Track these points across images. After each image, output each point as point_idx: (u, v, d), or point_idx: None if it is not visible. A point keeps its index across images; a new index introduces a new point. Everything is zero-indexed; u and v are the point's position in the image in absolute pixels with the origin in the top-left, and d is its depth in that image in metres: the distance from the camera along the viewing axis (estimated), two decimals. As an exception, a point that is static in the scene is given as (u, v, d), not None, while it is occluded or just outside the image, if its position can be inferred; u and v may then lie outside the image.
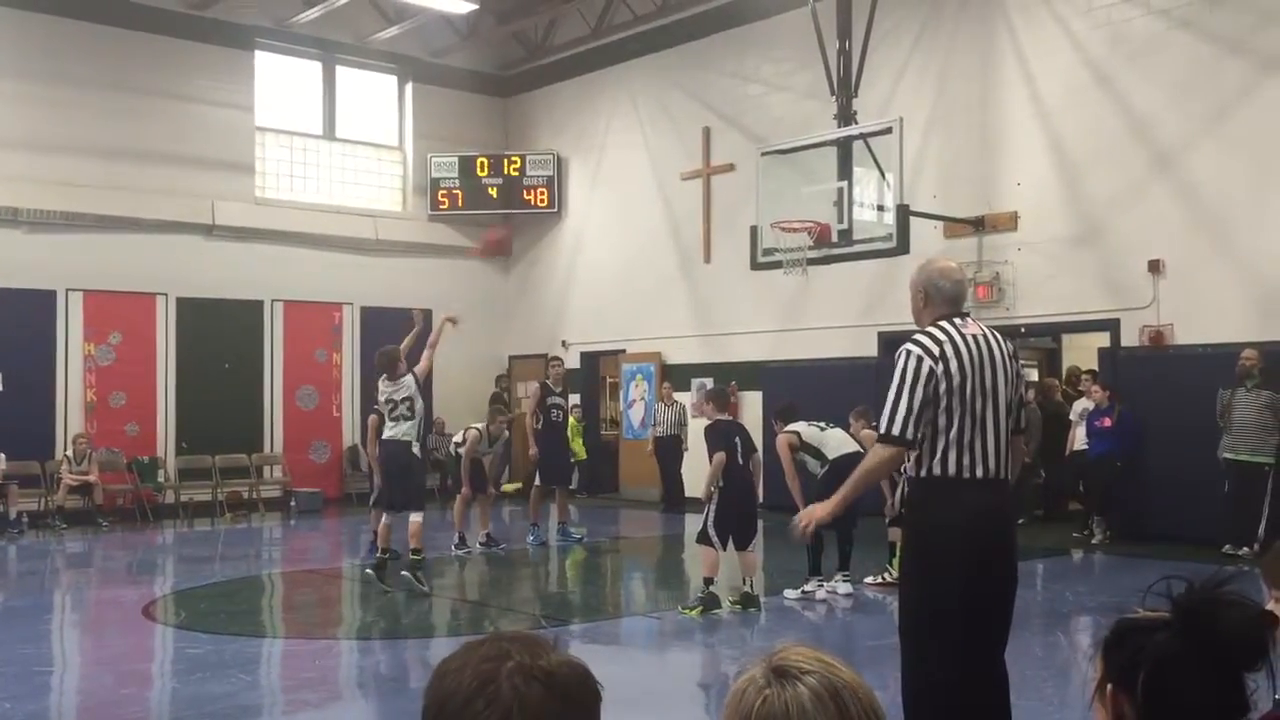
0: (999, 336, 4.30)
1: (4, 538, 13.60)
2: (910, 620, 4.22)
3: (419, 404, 9.24)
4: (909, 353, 4.17)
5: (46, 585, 11.41)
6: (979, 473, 4.11)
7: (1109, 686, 1.54)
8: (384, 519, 9.53)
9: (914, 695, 4.13)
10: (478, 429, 11.99)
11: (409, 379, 9.23)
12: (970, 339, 4.19)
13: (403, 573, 9.24)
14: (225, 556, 12.71)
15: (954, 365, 4.11)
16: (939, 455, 4.11)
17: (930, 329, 4.23)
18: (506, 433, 12.81)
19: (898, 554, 8.97)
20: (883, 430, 4.17)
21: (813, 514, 4.43)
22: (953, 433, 4.10)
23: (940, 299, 4.30)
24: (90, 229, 15.51)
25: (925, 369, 4.10)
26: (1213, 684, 1.48)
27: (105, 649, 8.02)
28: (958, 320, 4.24)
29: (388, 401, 9.26)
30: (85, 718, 6.29)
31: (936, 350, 4.13)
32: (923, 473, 4.15)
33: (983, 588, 4.08)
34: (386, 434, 9.37)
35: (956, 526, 4.08)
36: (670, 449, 15.50)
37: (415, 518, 9.30)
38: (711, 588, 8.48)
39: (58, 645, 8.48)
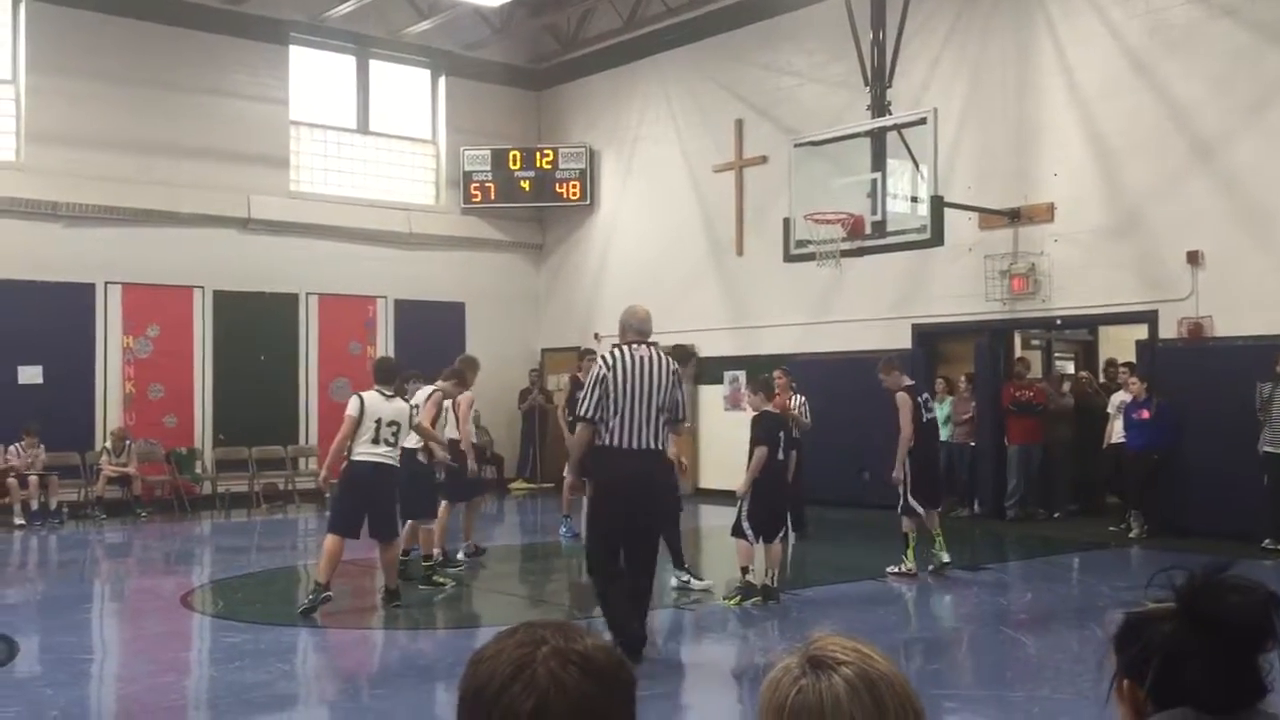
0: (664, 357, 6.70)
1: (45, 528, 13.80)
2: (589, 535, 6.96)
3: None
4: (596, 364, 6.78)
5: (86, 575, 11.55)
6: (635, 445, 6.51)
7: (1125, 680, 1.54)
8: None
9: (592, 578, 6.91)
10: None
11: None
12: (637, 359, 6.55)
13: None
14: (261, 547, 12.83)
15: (619, 374, 6.50)
16: (609, 433, 6.52)
17: (614, 349, 6.67)
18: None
19: (910, 544, 9.11)
20: (577, 413, 6.71)
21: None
22: (617, 419, 6.49)
23: (631, 330, 6.75)
24: (128, 223, 15.67)
25: (600, 374, 6.56)
26: (1223, 670, 1.48)
27: (144, 637, 8.13)
28: (634, 345, 6.64)
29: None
30: (124, 705, 6.36)
31: (611, 363, 6.56)
32: (600, 443, 6.58)
33: (632, 521, 6.59)
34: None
35: (617, 478, 6.57)
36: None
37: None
38: (748, 577, 8.47)
39: (97, 633, 8.58)
